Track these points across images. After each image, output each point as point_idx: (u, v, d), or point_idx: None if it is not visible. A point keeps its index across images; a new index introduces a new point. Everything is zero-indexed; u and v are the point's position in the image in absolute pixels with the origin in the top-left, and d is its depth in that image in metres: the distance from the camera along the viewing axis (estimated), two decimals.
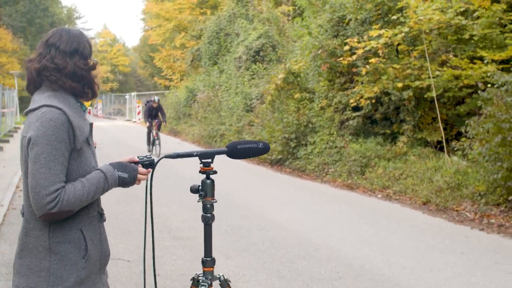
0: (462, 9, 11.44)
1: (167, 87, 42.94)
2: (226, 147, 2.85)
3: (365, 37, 12.68)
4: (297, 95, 15.62)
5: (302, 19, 24.79)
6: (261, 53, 23.42)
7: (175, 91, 34.72)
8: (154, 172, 2.77)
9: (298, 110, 15.42)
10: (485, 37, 11.21)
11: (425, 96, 11.71)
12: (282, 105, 16.23)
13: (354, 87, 13.55)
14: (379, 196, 10.84)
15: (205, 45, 30.22)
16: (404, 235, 7.83)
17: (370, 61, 12.14)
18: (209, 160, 2.81)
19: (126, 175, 2.63)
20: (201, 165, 2.81)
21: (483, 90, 8.80)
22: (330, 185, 12.40)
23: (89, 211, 2.58)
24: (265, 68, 22.53)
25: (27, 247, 2.49)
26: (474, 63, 10.61)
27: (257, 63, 23.20)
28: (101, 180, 2.52)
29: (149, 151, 18.47)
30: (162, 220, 8.76)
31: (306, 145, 14.76)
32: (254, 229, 8.19)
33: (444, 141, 11.32)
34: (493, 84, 8.84)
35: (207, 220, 2.83)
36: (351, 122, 13.64)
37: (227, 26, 28.29)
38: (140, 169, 2.71)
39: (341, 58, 12.97)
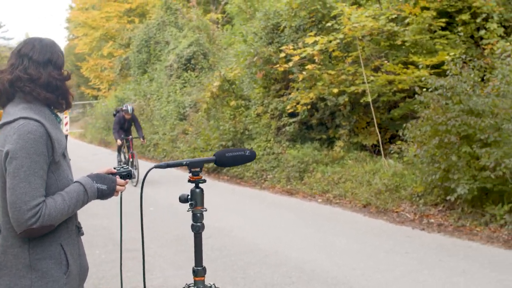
0: (393, 16, 11.78)
1: (95, 97, 42.20)
2: (214, 155, 2.85)
3: (300, 44, 12.86)
4: (232, 103, 15.67)
5: (232, 27, 24.94)
6: (193, 61, 23.34)
7: (104, 101, 34.17)
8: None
9: (234, 118, 15.47)
10: (416, 43, 11.58)
11: (361, 101, 11.97)
12: (218, 113, 16.25)
13: (290, 94, 13.71)
14: (319, 200, 11.00)
15: (134, 54, 29.85)
16: (349, 238, 7.98)
17: (306, 67, 12.32)
18: (198, 169, 2.80)
19: (105, 186, 2.60)
20: (190, 174, 2.80)
21: (419, 94, 9.08)
22: (269, 191, 12.48)
23: (68, 225, 2.53)
24: (196, 76, 22.49)
25: (5, 266, 2.40)
26: (408, 68, 10.94)
27: (189, 71, 23.13)
28: (80, 192, 2.48)
29: None
30: (106, 232, 8.63)
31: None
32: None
33: (381, 144, 11.60)
34: (427, 89, 9.13)
35: (198, 229, 2.82)
36: (287, 128, 13.79)
37: (157, 34, 28.03)
38: (119, 180, 2.68)
39: (278, 65, 13.10)
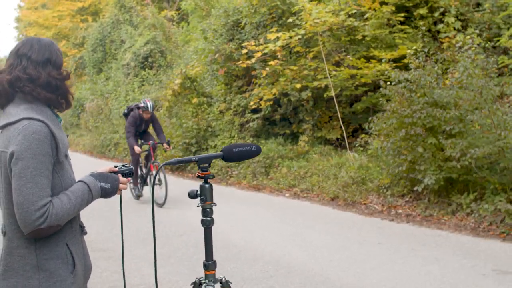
0: (353, 11, 11.97)
1: None
2: (222, 151, 2.90)
3: (261, 40, 12.96)
4: (195, 100, 15.66)
5: (188, 24, 24.87)
6: (150, 59, 23.25)
7: None
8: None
9: (197, 115, 15.47)
10: (376, 37, 11.78)
11: (324, 95, 12.13)
12: (180, 111, 16.22)
13: (252, 90, 13.80)
14: (287, 195, 11.11)
15: (88, 53, 29.54)
16: (321, 231, 8.11)
17: (270, 63, 12.42)
18: (207, 165, 2.84)
19: (108, 185, 2.60)
20: (199, 170, 2.84)
21: (384, 88, 9.25)
22: (236, 187, 12.54)
23: (72, 225, 2.54)
24: (154, 74, 22.39)
25: (12, 267, 2.39)
26: (370, 62, 11.14)
27: (146, 69, 23.02)
28: (85, 192, 2.48)
29: (138, 196, 11.08)
30: None
31: (207, 149, 14.84)
32: (173, 235, 8.17)
33: (345, 138, 11.78)
34: (390, 82, 9.31)
35: (208, 224, 2.86)
36: (251, 124, 13.87)
37: (111, 32, 27.79)
38: (121, 178, 2.70)
39: (240, 62, 13.18)
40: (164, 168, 10.53)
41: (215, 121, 15.02)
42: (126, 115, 11.14)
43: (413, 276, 5.93)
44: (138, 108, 10.72)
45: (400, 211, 8.92)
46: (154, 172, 10.32)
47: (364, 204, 9.56)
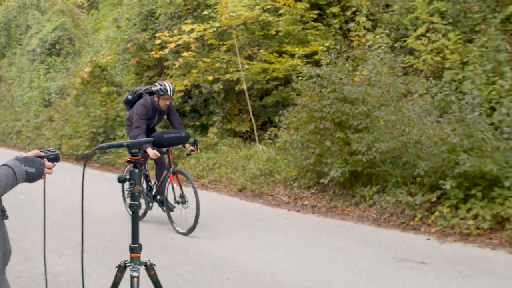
0: (268, 7, 12.12)
1: None
2: (153, 136, 2.95)
3: (175, 31, 12.90)
4: (104, 89, 15.35)
5: (98, 12, 24.37)
6: (57, 46, 22.62)
7: None
8: None
9: (106, 104, 15.17)
10: (289, 33, 11.98)
11: (235, 88, 12.22)
12: (89, 99, 15.86)
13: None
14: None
15: None
16: (229, 221, 8.18)
17: (183, 54, 12.38)
18: (137, 150, 2.86)
19: (34, 170, 2.55)
20: (129, 155, 2.85)
21: (296, 82, 9.42)
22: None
23: None
24: (62, 62, 21.80)
25: None
26: (282, 58, 11.32)
27: (53, 56, 22.37)
28: (9, 175, 2.41)
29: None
30: None
31: (114, 139, 14.61)
32: (80, 224, 7.98)
33: (255, 131, 11.92)
34: (302, 77, 9.49)
35: (135, 208, 2.89)
36: None
37: (17, 17, 26.79)
38: (47, 163, 2.65)
39: (153, 52, 13.05)
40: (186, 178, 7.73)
41: (124, 110, 14.76)
42: (130, 102, 8.04)
43: (318, 264, 6.09)
44: (151, 93, 7.68)
45: (306, 202, 9.12)
46: (174, 185, 7.59)
47: (272, 195, 9.72)
